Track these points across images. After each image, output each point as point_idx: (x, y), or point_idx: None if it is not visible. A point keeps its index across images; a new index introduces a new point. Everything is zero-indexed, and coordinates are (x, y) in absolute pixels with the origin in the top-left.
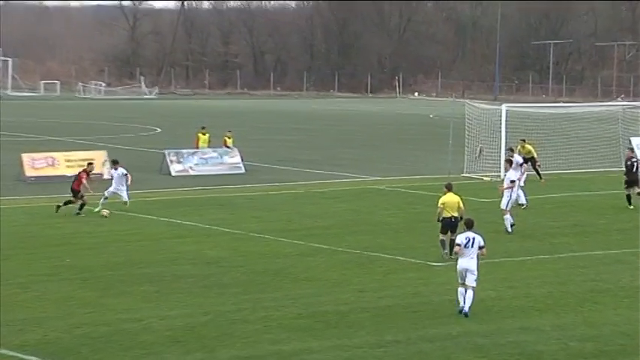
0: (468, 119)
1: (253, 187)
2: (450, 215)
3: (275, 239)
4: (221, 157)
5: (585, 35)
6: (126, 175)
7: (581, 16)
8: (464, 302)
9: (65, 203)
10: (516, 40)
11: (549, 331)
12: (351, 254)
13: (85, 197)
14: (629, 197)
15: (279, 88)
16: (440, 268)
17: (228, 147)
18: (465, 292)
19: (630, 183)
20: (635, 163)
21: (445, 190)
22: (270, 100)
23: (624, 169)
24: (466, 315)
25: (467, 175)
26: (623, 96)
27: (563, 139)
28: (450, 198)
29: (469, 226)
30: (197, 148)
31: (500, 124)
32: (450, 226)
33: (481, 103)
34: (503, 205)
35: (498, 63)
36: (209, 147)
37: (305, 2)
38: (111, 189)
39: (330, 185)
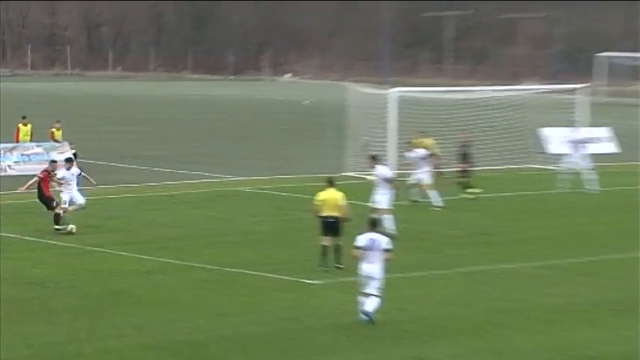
0: (351, 106)
1: (88, 190)
2: (326, 215)
3: (115, 253)
4: (47, 154)
5: (488, 7)
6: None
7: None
8: (366, 308)
9: (56, 221)
10: (407, 11)
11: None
12: (208, 271)
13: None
14: None
15: (119, 69)
16: (317, 287)
17: (56, 141)
18: (369, 300)
19: None
20: None
21: (326, 184)
22: (108, 82)
23: None
24: (370, 318)
25: (348, 173)
26: (532, 79)
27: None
28: (330, 195)
29: (373, 225)
30: (17, 142)
31: (388, 111)
32: (327, 228)
33: (366, 86)
34: (383, 205)
35: (386, 38)
36: (32, 141)
37: None
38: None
39: (183, 187)
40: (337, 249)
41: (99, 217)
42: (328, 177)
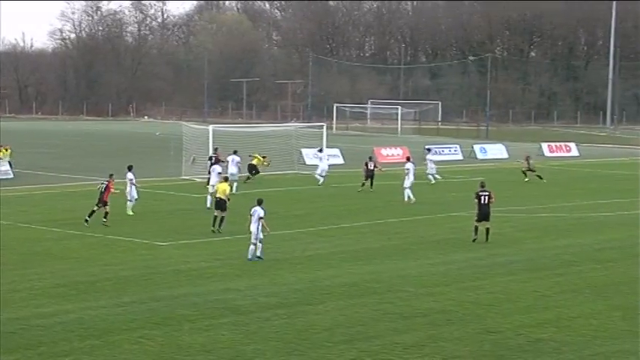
0: (185, 136)
1: (21, 189)
2: (218, 197)
3: (38, 228)
4: None
5: (268, 75)
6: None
7: (265, 61)
8: (257, 253)
9: (90, 214)
10: (219, 78)
11: (244, 290)
12: (98, 238)
13: (107, 205)
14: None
15: (40, 113)
16: (165, 247)
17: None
18: (255, 247)
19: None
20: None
21: (222, 180)
22: (33, 122)
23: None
24: (260, 258)
25: (184, 177)
26: (295, 119)
27: (254, 151)
28: (222, 186)
29: (258, 202)
30: None
31: (209, 139)
32: (216, 205)
33: (194, 124)
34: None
35: (206, 94)
36: None
37: (61, 46)
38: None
39: (81, 186)
40: (222, 219)
41: (28, 205)
42: (225, 175)
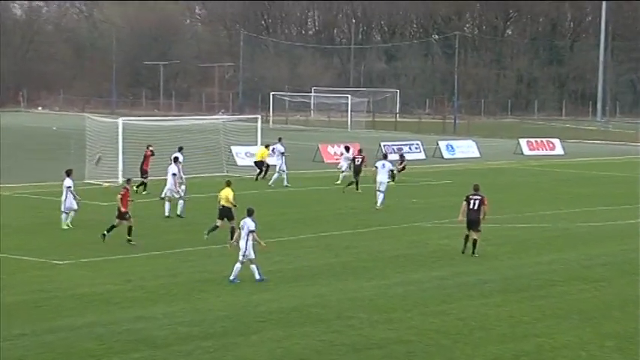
0: (89, 131)
1: None
2: (221, 205)
3: None
4: None
5: (191, 57)
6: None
7: (187, 40)
8: (255, 276)
9: (110, 229)
10: (130, 60)
11: (161, 318)
12: None
13: (131, 218)
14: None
15: None
16: (63, 266)
17: None
18: (242, 267)
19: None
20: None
21: (225, 185)
22: None
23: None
24: (262, 279)
25: (88, 181)
26: (223, 111)
27: (174, 149)
28: (225, 192)
29: (248, 213)
30: None
31: (118, 135)
32: (220, 213)
33: (100, 116)
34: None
35: (114, 80)
36: None
37: None
38: None
39: None
40: (232, 230)
41: None
42: (227, 180)
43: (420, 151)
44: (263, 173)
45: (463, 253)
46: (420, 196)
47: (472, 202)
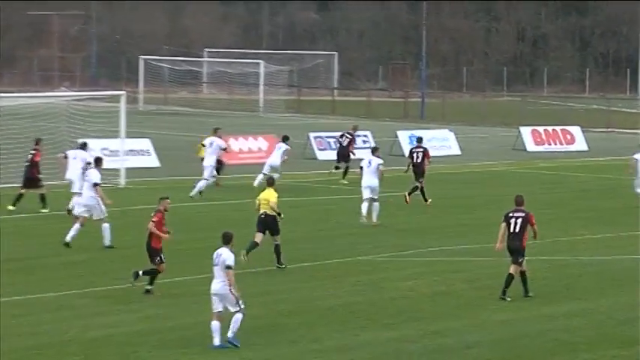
0: None
1: None
2: (262, 212)
3: None
4: None
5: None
6: None
7: None
8: (229, 332)
9: (145, 273)
10: None
11: None
12: None
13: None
14: None
15: None
16: None
17: None
18: (219, 324)
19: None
20: None
21: (266, 184)
22: None
23: None
24: (235, 345)
25: None
26: (67, 84)
27: None
28: (266, 194)
29: (225, 240)
30: None
31: None
32: (262, 224)
33: None
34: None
35: None
36: None
37: None
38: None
39: None
40: (276, 248)
41: None
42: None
43: (371, 146)
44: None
45: (504, 298)
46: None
47: (513, 221)
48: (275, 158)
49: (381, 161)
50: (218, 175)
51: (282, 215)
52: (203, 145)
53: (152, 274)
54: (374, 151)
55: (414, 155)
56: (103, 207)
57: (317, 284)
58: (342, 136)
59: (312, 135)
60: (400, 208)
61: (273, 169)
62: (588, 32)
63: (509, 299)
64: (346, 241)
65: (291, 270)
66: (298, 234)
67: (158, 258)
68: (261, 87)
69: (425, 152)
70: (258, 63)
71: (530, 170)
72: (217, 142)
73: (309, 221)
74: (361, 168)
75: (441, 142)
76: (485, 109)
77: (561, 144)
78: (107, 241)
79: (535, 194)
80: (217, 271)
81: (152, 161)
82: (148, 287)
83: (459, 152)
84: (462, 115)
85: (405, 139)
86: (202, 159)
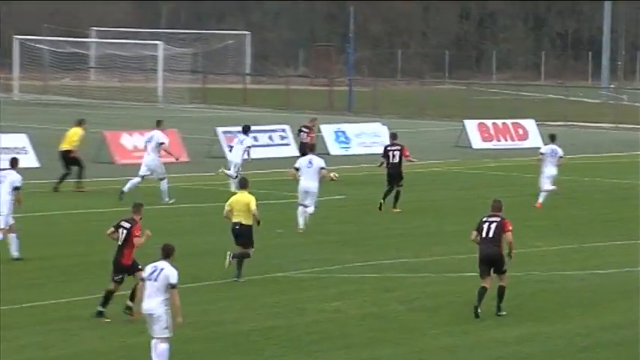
0: None
1: None
2: (237, 221)
3: None
4: None
5: None
6: None
7: None
8: None
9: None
10: None
11: None
12: None
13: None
14: None
15: None
16: None
17: None
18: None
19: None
20: None
21: (238, 187)
22: None
23: None
24: None
25: None
26: None
27: None
28: (240, 197)
29: (165, 254)
30: None
31: None
32: (237, 234)
33: None
34: None
35: None
36: None
37: None
38: None
39: None
40: (241, 258)
41: None
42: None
43: (290, 144)
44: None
45: (477, 316)
46: (288, 224)
47: (486, 228)
48: (236, 155)
49: (322, 162)
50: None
51: (260, 223)
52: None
53: (106, 297)
54: (311, 149)
55: (390, 154)
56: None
57: (227, 305)
58: (299, 131)
59: (219, 130)
60: (325, 217)
61: (234, 166)
62: (543, 9)
63: (498, 313)
64: (262, 254)
65: (195, 289)
66: (205, 246)
67: (121, 276)
68: (160, 73)
69: (402, 150)
70: (155, 45)
71: (477, 170)
72: (157, 136)
73: (217, 231)
74: (297, 169)
75: (372, 138)
76: (424, 100)
77: (512, 140)
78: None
79: (481, 198)
80: (152, 287)
81: (30, 160)
82: (100, 309)
83: None
84: (396, 106)
85: (330, 134)
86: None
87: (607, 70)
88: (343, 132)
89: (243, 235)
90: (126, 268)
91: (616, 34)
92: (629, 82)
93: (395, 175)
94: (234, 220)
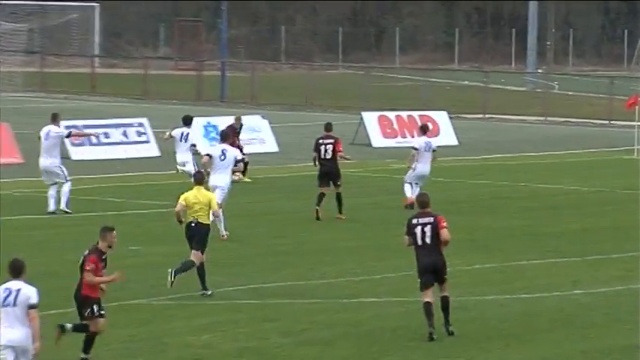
0: None
1: None
2: (193, 219)
3: None
4: None
5: None
6: None
7: None
8: None
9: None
10: None
11: None
12: None
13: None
14: None
15: None
16: None
17: None
18: None
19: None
20: None
21: (195, 182)
22: None
23: None
24: None
25: None
26: None
27: None
28: (198, 195)
29: (13, 272)
30: None
31: None
32: (190, 234)
33: None
34: None
35: None
36: None
37: None
38: None
39: None
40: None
41: None
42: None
43: (149, 141)
44: None
45: (432, 339)
46: (145, 239)
47: (419, 233)
48: (185, 155)
49: (237, 154)
50: None
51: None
52: (39, 138)
53: (84, 332)
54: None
55: (322, 149)
56: None
57: (70, 340)
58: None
59: (62, 124)
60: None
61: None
62: None
63: (449, 333)
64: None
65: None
66: (43, 267)
67: (90, 309)
68: None
69: (335, 143)
70: None
71: (377, 174)
72: (54, 131)
73: (58, 247)
74: (209, 156)
75: (251, 133)
76: (313, 87)
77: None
78: None
79: (382, 208)
80: (10, 314)
81: None
82: (84, 357)
83: (275, 148)
84: (279, 95)
85: (199, 129)
86: None
87: (534, 52)
88: (214, 126)
89: (200, 234)
90: (86, 298)
91: (544, 8)
92: (560, 66)
93: (328, 173)
94: (190, 218)
